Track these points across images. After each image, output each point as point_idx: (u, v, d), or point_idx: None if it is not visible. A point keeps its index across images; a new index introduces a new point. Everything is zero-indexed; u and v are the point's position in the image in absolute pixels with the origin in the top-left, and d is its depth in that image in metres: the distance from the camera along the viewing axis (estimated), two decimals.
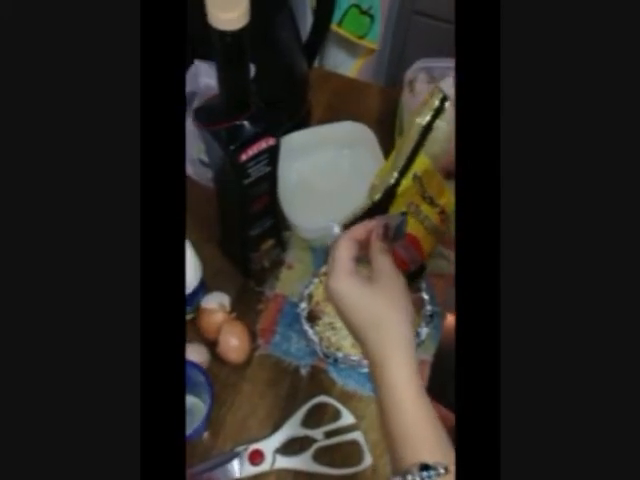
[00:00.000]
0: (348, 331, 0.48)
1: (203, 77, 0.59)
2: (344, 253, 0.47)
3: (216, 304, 0.69)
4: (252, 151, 0.54)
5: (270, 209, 0.66)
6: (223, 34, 0.45)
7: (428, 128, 0.61)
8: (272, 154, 0.57)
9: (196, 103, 0.60)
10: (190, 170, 0.66)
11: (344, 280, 0.46)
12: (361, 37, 0.91)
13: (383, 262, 0.47)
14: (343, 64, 0.97)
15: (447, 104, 0.61)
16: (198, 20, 0.44)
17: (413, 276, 0.69)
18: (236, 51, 0.47)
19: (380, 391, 0.44)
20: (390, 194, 0.60)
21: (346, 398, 0.67)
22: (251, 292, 0.74)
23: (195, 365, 0.59)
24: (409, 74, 0.87)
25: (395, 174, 0.60)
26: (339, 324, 0.68)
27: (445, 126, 0.61)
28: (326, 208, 0.76)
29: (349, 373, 0.68)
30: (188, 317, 0.70)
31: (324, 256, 0.75)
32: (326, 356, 0.66)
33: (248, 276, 0.73)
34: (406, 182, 0.61)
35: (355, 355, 0.66)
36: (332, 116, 0.86)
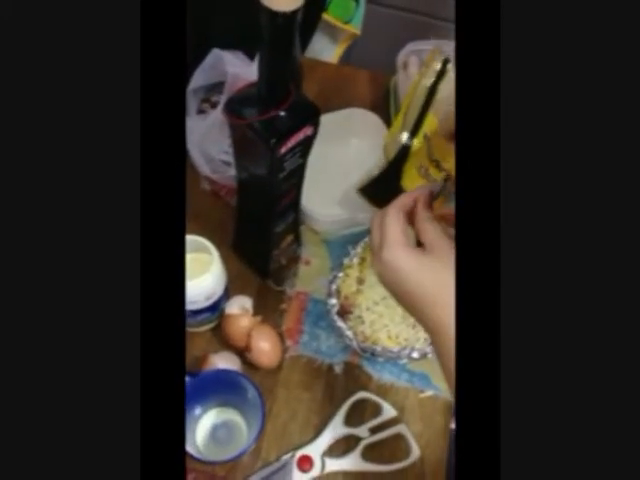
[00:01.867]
0: (400, 304, 0.46)
1: (229, 67, 0.55)
2: (395, 224, 0.45)
3: (239, 308, 0.65)
4: (291, 143, 0.51)
5: (295, 203, 0.63)
6: (275, 15, 0.41)
7: (433, 90, 0.61)
8: (307, 145, 0.54)
9: (225, 95, 0.56)
10: (207, 170, 0.62)
11: (400, 251, 0.44)
12: (346, 22, 0.88)
13: (434, 231, 0.45)
14: (325, 50, 0.94)
15: (449, 66, 0.61)
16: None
17: None
18: (286, 35, 0.44)
19: (443, 359, 0.42)
20: (404, 154, 0.59)
21: (383, 391, 0.66)
22: (271, 293, 0.70)
23: (244, 377, 0.55)
24: (402, 57, 0.86)
25: (406, 134, 0.60)
26: (368, 317, 0.66)
27: (448, 89, 0.61)
28: (337, 198, 0.74)
29: (383, 366, 0.67)
30: (210, 325, 0.67)
31: (340, 249, 0.73)
32: (363, 351, 0.64)
33: (266, 276, 0.70)
34: (417, 141, 0.60)
35: (394, 347, 0.64)
36: (323, 104, 0.83)
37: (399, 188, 0.60)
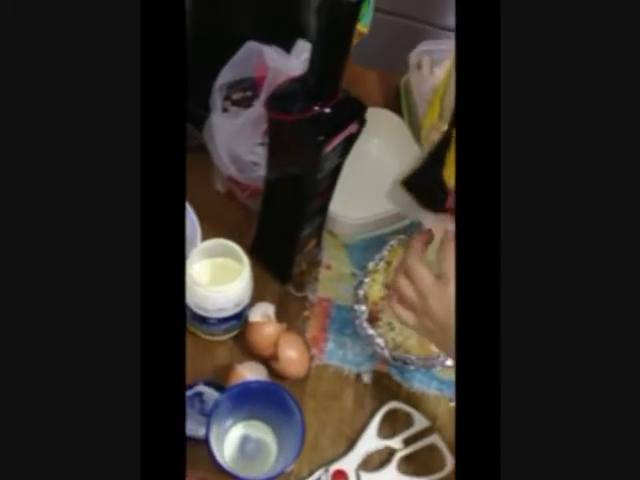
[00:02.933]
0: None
1: (269, 61, 0.52)
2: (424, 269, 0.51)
3: (262, 316, 0.62)
4: (336, 141, 0.49)
5: (324, 206, 0.60)
6: (337, 4, 0.39)
7: None
8: (349, 143, 0.51)
9: (265, 90, 0.53)
10: (233, 170, 0.58)
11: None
12: None
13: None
14: None
15: None
16: None
17: None
18: (346, 26, 0.41)
19: None
20: (446, 141, 0.57)
21: (414, 400, 0.64)
22: (293, 299, 0.67)
23: (286, 392, 0.51)
24: (413, 57, 0.85)
25: (445, 125, 0.57)
26: (398, 323, 0.64)
27: None
28: (360, 200, 0.71)
29: (412, 374, 0.65)
30: (234, 334, 0.63)
31: (361, 253, 0.71)
32: (395, 359, 0.62)
33: (287, 281, 0.67)
34: None
35: (426, 354, 0.62)
36: None
37: (441, 179, 0.57)
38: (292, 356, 0.60)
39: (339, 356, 0.65)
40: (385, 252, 0.67)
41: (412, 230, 0.70)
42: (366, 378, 0.64)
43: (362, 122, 0.50)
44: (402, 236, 0.68)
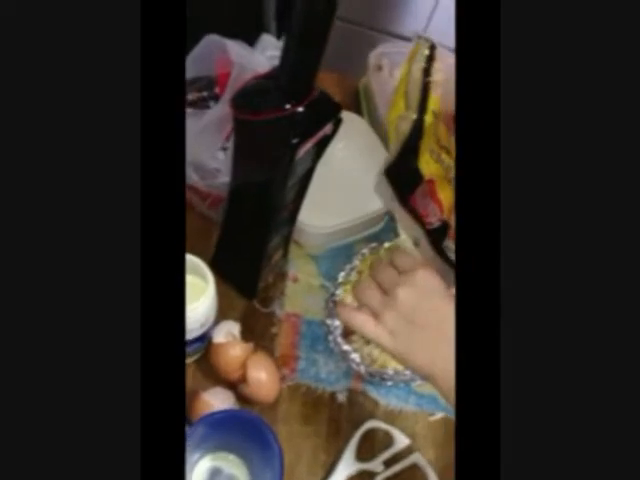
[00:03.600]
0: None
1: (234, 56, 0.47)
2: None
3: (226, 336, 0.57)
4: (310, 143, 0.44)
5: (294, 215, 0.56)
6: None
7: (428, 71, 0.56)
8: (322, 146, 0.47)
9: (229, 87, 0.48)
10: (195, 177, 0.53)
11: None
12: None
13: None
14: None
15: (436, 52, 0.57)
16: None
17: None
18: (324, 22, 0.37)
19: None
20: (418, 129, 0.54)
21: (392, 418, 0.60)
22: (258, 315, 0.63)
23: (262, 423, 0.46)
24: (373, 58, 0.82)
25: (413, 113, 0.55)
26: None
27: (439, 76, 0.58)
28: (328, 207, 0.67)
29: (389, 390, 0.61)
30: (197, 357, 0.58)
31: (329, 263, 0.66)
32: (371, 375, 0.58)
33: (253, 297, 0.62)
34: (428, 118, 0.55)
35: (404, 369, 0.58)
36: None
37: (417, 170, 0.54)
38: (262, 378, 0.56)
39: (311, 375, 0.60)
40: (356, 261, 0.63)
41: (383, 237, 0.67)
42: (341, 397, 0.60)
43: (337, 123, 0.46)
44: (374, 244, 0.65)
